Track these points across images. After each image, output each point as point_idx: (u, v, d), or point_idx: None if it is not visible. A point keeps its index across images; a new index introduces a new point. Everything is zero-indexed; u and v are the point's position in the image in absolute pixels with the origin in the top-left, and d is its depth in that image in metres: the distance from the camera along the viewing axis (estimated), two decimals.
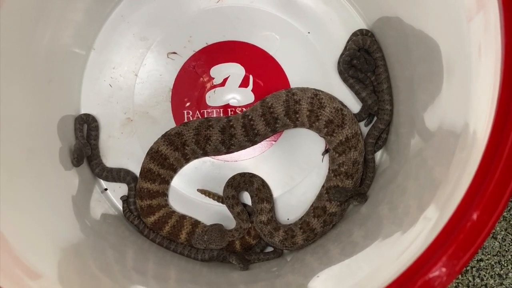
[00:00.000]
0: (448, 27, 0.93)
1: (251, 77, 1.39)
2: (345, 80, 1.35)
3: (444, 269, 0.67)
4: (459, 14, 0.86)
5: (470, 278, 1.47)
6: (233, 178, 1.33)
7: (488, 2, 0.76)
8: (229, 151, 1.34)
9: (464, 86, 0.86)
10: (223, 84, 1.39)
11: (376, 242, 1.05)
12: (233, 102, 1.39)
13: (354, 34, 1.36)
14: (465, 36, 0.84)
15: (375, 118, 1.35)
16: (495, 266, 1.46)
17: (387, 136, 1.35)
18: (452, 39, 0.93)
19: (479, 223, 0.65)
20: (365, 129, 1.36)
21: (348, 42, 1.36)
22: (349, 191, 1.27)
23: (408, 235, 0.87)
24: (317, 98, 1.30)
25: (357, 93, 1.34)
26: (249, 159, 1.38)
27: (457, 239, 0.65)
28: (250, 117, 1.31)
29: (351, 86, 1.35)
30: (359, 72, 1.34)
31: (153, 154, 1.32)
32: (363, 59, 1.33)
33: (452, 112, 0.94)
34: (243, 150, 1.37)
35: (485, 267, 1.46)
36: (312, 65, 1.38)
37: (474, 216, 0.65)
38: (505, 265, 1.46)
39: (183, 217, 1.34)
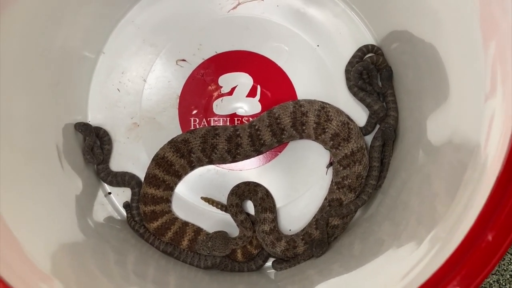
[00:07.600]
0: (462, 47, 0.94)
1: (259, 87, 1.40)
2: (355, 94, 1.36)
3: None
4: (474, 37, 0.87)
5: None
6: (238, 186, 1.33)
7: (503, 27, 0.78)
8: (234, 160, 1.35)
9: (476, 105, 0.86)
10: (231, 93, 1.40)
11: (379, 258, 1.05)
12: (240, 112, 1.40)
13: (360, 50, 1.37)
14: (480, 57, 0.85)
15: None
16: (493, 284, 1.47)
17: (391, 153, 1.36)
18: (464, 58, 0.93)
19: (494, 244, 0.65)
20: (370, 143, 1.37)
21: (356, 53, 1.37)
22: (325, 242, 1.28)
23: (414, 254, 0.87)
24: (324, 111, 1.31)
25: (368, 106, 1.35)
26: (253, 169, 1.38)
27: (471, 259, 0.66)
28: (256, 127, 1.31)
29: (361, 100, 1.35)
30: (367, 85, 1.35)
31: (159, 160, 1.32)
32: (375, 72, 1.35)
33: (462, 130, 0.94)
34: (248, 160, 1.38)
35: (484, 286, 1.47)
36: (319, 77, 1.40)
37: (489, 237, 0.65)
38: (504, 284, 1.47)
39: (186, 224, 1.34)
